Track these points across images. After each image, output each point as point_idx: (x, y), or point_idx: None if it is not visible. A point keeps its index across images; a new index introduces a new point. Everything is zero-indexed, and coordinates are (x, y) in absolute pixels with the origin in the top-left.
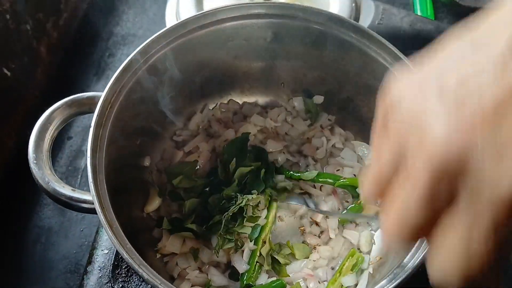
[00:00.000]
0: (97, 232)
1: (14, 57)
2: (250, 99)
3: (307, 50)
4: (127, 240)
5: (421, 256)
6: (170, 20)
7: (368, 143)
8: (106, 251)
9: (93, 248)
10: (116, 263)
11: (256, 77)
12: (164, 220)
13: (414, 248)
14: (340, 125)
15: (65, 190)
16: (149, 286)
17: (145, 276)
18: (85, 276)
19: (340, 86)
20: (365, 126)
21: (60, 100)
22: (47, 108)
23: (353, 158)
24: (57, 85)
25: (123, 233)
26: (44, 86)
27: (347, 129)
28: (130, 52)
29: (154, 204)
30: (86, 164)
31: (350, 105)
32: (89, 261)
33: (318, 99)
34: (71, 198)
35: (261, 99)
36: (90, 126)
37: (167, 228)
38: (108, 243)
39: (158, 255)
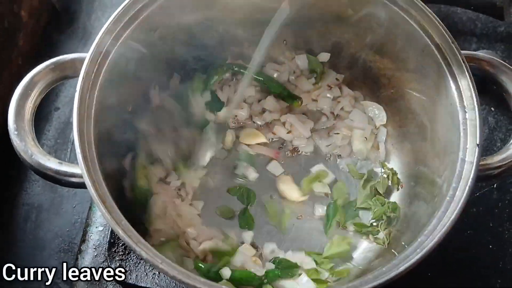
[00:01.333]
0: (90, 208)
1: None
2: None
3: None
4: (122, 216)
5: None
6: None
7: (379, 103)
8: (100, 228)
9: (86, 225)
10: (112, 240)
11: (255, 34)
12: None
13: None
14: (348, 85)
15: (51, 163)
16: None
17: (144, 255)
18: (79, 256)
19: (347, 41)
20: (376, 84)
21: None
22: None
23: (363, 120)
24: (41, 51)
25: (117, 209)
26: (27, 52)
27: (356, 88)
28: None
29: None
30: None
31: (359, 62)
32: (83, 239)
33: (324, 56)
34: (57, 172)
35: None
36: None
37: None
38: (103, 219)
39: None
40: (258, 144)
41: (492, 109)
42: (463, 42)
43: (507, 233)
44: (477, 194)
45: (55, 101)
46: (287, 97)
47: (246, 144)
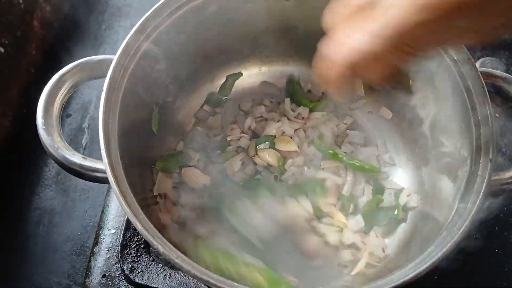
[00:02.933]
0: (102, 211)
1: (6, 32)
2: (270, 68)
3: None
4: (140, 210)
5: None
6: None
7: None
8: (113, 231)
9: (99, 228)
10: (124, 242)
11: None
12: None
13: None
14: None
15: (76, 158)
16: (160, 265)
17: (161, 249)
18: (92, 258)
19: None
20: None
21: None
22: (43, 86)
23: None
24: (53, 60)
25: (136, 204)
26: (39, 61)
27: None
28: (127, 23)
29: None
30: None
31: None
32: (96, 242)
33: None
34: (82, 166)
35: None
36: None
37: None
38: (115, 222)
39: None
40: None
41: (497, 115)
42: (468, 50)
43: None
44: (490, 201)
45: (67, 108)
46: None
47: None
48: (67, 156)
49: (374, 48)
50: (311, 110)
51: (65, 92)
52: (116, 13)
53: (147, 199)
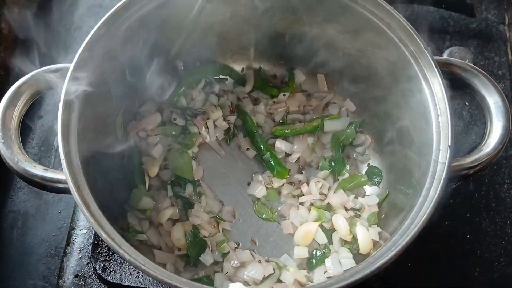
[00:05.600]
0: (74, 212)
1: None
2: (235, 66)
3: None
4: (106, 220)
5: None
6: None
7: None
8: (84, 231)
9: (71, 228)
10: (95, 242)
11: (240, 43)
12: None
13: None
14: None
15: (37, 170)
16: None
17: (127, 257)
18: (64, 258)
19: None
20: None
21: None
22: None
23: None
24: (22, 62)
25: (101, 212)
26: (9, 64)
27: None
28: (97, 23)
29: None
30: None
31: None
32: (68, 242)
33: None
34: (43, 178)
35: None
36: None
37: None
38: (86, 222)
39: None
40: None
41: (467, 103)
42: (436, 40)
43: (484, 223)
44: (454, 186)
45: (38, 110)
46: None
47: None
48: (28, 168)
49: None
50: (274, 96)
51: (22, 104)
52: (86, 13)
53: (115, 203)
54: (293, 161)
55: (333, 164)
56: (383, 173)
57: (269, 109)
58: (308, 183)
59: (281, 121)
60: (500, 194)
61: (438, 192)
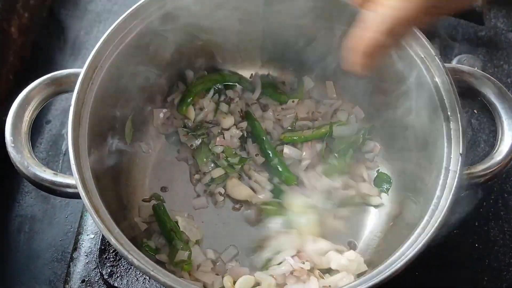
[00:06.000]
0: (81, 216)
1: None
2: (243, 73)
3: None
4: (114, 225)
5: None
6: None
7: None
8: (92, 236)
9: (78, 233)
10: (103, 247)
11: (249, 49)
12: None
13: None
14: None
15: (47, 174)
16: None
17: (136, 262)
18: (71, 263)
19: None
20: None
21: None
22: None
23: None
24: (32, 67)
25: (110, 217)
26: (18, 68)
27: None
28: (106, 29)
29: None
30: (67, 148)
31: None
32: (75, 247)
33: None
34: (53, 182)
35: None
36: (69, 107)
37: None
38: (94, 227)
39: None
40: None
41: (475, 111)
42: (445, 47)
43: (492, 232)
44: (462, 194)
45: (46, 115)
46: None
47: None
48: (38, 173)
49: (408, 12)
50: (282, 102)
51: (33, 109)
52: (96, 18)
53: (123, 209)
54: (303, 169)
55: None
56: (392, 180)
57: (278, 115)
58: None
59: (289, 128)
60: (509, 203)
61: (449, 200)
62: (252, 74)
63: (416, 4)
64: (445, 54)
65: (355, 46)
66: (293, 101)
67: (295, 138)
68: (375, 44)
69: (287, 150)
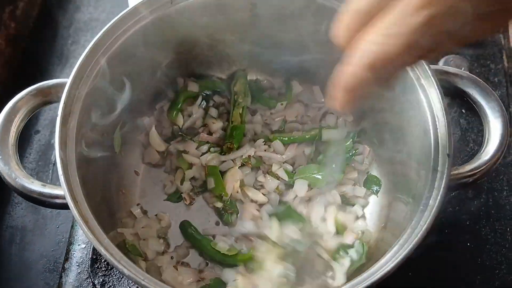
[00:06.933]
0: (72, 226)
1: None
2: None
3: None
4: (104, 235)
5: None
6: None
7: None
8: (83, 246)
9: (69, 243)
10: (94, 257)
11: (236, 57)
12: None
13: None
14: None
15: (35, 185)
16: None
17: (126, 272)
18: (63, 274)
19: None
20: None
21: None
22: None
23: None
24: (19, 77)
25: (99, 227)
26: (6, 79)
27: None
28: (94, 38)
29: None
30: (56, 159)
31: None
32: (66, 258)
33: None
34: (41, 194)
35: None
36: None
37: None
38: (85, 237)
39: None
40: None
41: (463, 111)
42: None
43: (484, 230)
44: (453, 194)
45: (35, 125)
46: None
47: None
48: (26, 184)
49: (389, 48)
50: (272, 107)
51: (20, 120)
52: (83, 27)
53: (112, 219)
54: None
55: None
56: (381, 182)
57: (266, 120)
58: None
59: (279, 130)
60: (499, 201)
61: (438, 201)
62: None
63: (398, 42)
64: None
65: (337, 81)
66: (281, 104)
67: (284, 138)
68: (355, 78)
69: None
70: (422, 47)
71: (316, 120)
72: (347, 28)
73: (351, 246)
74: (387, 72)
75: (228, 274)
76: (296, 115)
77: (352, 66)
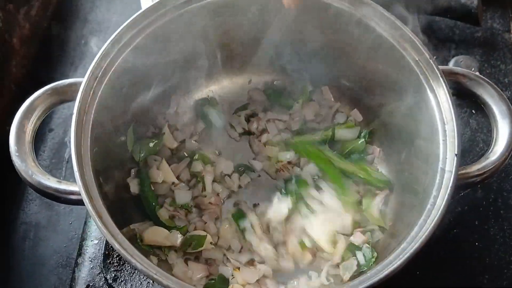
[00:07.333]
0: (85, 223)
1: None
2: (243, 78)
3: None
4: (118, 230)
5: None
6: (145, 2)
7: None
8: (96, 241)
9: (82, 239)
10: (107, 252)
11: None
12: None
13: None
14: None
15: (51, 182)
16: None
17: (139, 266)
18: (76, 269)
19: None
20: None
21: None
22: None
23: None
24: (33, 77)
25: (113, 223)
26: (20, 79)
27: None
28: (106, 38)
29: None
30: (70, 155)
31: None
32: (79, 253)
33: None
34: (57, 190)
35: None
36: (71, 116)
37: None
38: (98, 233)
39: None
40: None
41: (473, 111)
42: (442, 49)
43: (492, 230)
44: (462, 193)
45: (49, 123)
46: None
47: None
48: (42, 181)
49: None
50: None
51: (36, 118)
52: (96, 27)
53: (125, 215)
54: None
55: None
56: (390, 181)
57: (285, 121)
58: None
59: (299, 131)
60: (508, 201)
61: (445, 200)
62: (250, 79)
63: None
64: (443, 56)
65: None
66: (297, 103)
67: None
68: None
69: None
70: None
71: (328, 119)
72: None
73: (359, 248)
74: None
75: (225, 271)
76: (314, 114)
77: None
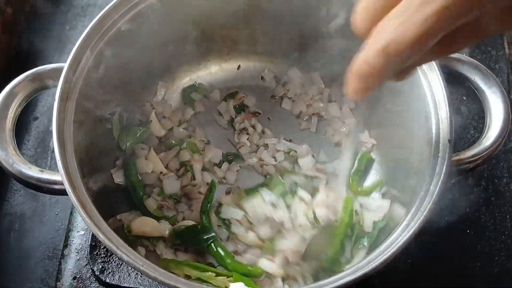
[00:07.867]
0: (71, 213)
1: None
2: (231, 64)
3: None
4: (103, 220)
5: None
6: None
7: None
8: (82, 232)
9: (68, 230)
10: (93, 243)
11: (235, 40)
12: None
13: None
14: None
15: (32, 171)
16: None
17: (125, 258)
18: (62, 261)
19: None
20: None
21: None
22: None
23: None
24: (17, 63)
25: (98, 213)
26: (3, 65)
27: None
28: (90, 23)
29: None
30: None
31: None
32: (65, 244)
33: None
34: (39, 179)
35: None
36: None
37: None
38: (84, 223)
39: None
40: None
41: (464, 98)
42: None
43: (483, 218)
44: (453, 181)
45: (33, 111)
46: None
47: None
48: (24, 170)
49: (403, 35)
50: None
51: (17, 105)
52: (80, 13)
53: (112, 206)
54: None
55: None
56: (384, 165)
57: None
58: None
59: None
60: (499, 188)
61: (438, 187)
62: (239, 65)
63: (412, 29)
64: None
65: (351, 68)
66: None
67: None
68: (367, 64)
69: None
70: (436, 37)
71: (319, 107)
72: (366, 17)
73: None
74: (400, 60)
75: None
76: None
77: (365, 52)
